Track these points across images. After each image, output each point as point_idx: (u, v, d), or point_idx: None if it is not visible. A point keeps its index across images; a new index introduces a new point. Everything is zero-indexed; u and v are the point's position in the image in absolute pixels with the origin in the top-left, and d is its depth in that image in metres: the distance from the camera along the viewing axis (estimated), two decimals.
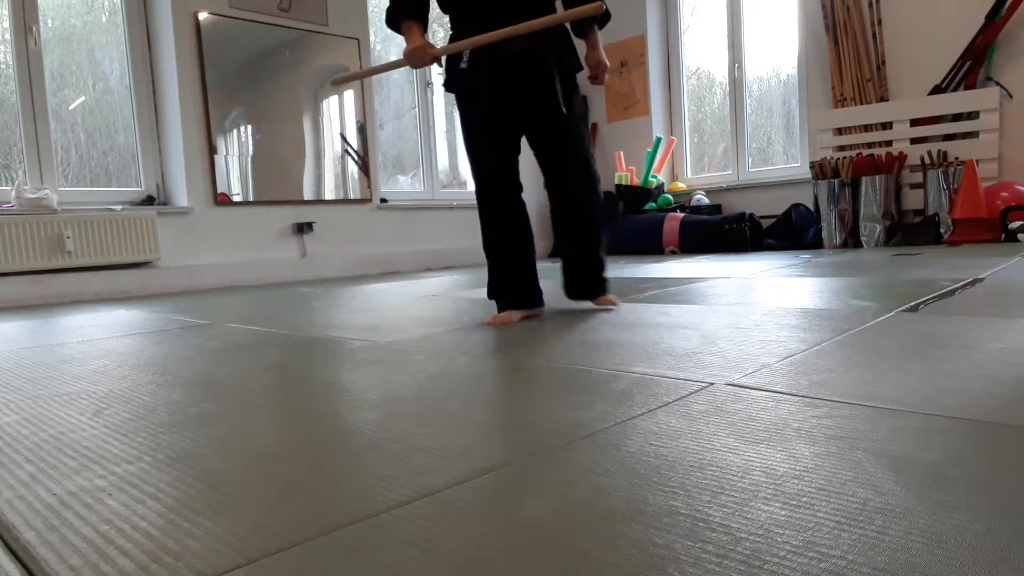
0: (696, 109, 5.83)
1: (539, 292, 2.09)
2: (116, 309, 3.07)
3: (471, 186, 2.27)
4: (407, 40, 1.96)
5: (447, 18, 2.10)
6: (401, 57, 2.01)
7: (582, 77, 2.12)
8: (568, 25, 2.02)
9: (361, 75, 2.36)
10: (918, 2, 4.41)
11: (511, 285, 2.05)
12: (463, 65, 1.98)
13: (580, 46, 2.10)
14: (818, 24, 4.81)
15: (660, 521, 0.62)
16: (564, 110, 1.98)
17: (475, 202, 2.11)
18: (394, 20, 2.01)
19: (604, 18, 2.03)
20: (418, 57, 1.92)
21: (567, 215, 2.08)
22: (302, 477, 0.78)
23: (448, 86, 2.06)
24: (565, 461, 0.79)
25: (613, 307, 2.11)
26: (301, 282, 4.33)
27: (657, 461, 0.77)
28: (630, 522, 0.62)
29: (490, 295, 2.09)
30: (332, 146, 4.75)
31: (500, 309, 2.04)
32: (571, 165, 2.04)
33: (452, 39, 2.02)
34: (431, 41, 1.98)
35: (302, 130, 4.60)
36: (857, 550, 0.54)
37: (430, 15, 2.04)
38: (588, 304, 2.18)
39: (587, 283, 2.12)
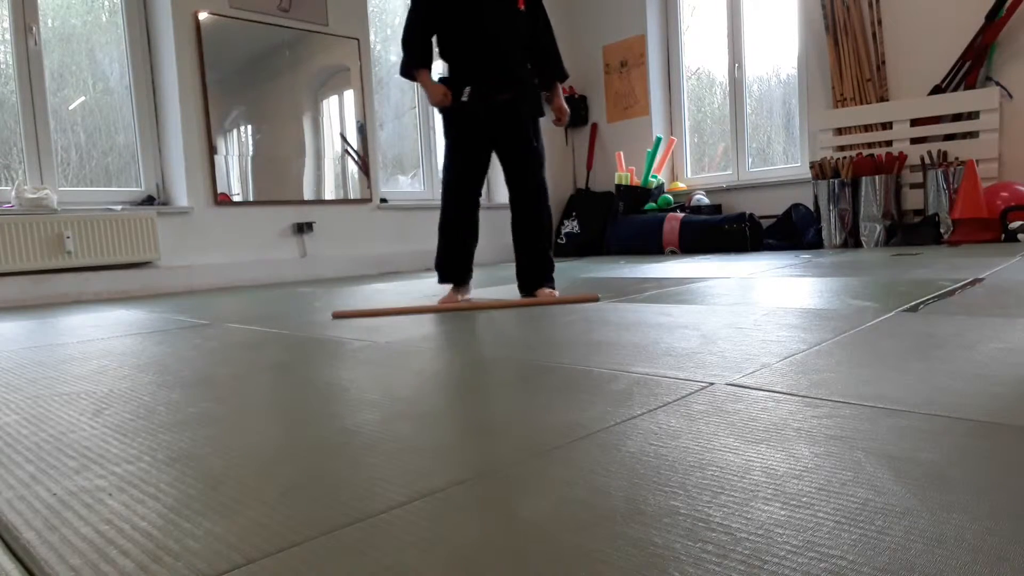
0: (696, 109, 5.83)
1: (471, 273, 2.67)
2: (116, 309, 3.07)
3: None
4: (426, 88, 2.53)
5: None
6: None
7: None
8: (537, 82, 2.67)
9: (367, 314, 2.33)
10: (918, 2, 4.41)
11: (459, 266, 2.62)
12: (464, 99, 2.51)
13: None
14: (818, 24, 4.81)
15: (660, 521, 0.62)
16: (533, 144, 2.59)
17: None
18: (408, 71, 2.55)
19: (563, 77, 2.68)
20: (443, 102, 2.50)
21: (524, 222, 2.62)
22: (302, 477, 0.78)
23: (447, 109, 2.56)
24: (565, 461, 0.79)
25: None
26: (301, 282, 4.33)
27: (657, 461, 0.77)
28: (630, 522, 0.62)
29: (441, 278, 2.64)
30: (332, 146, 4.75)
31: (440, 281, 2.64)
32: (531, 184, 2.59)
33: (450, 73, 2.57)
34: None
35: (302, 130, 4.60)
36: (857, 550, 0.54)
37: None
38: (587, 304, 2.24)
39: (537, 280, 2.59)
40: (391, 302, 2.75)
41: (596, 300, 2.35)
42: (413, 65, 2.51)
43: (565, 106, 2.68)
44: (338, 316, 2.31)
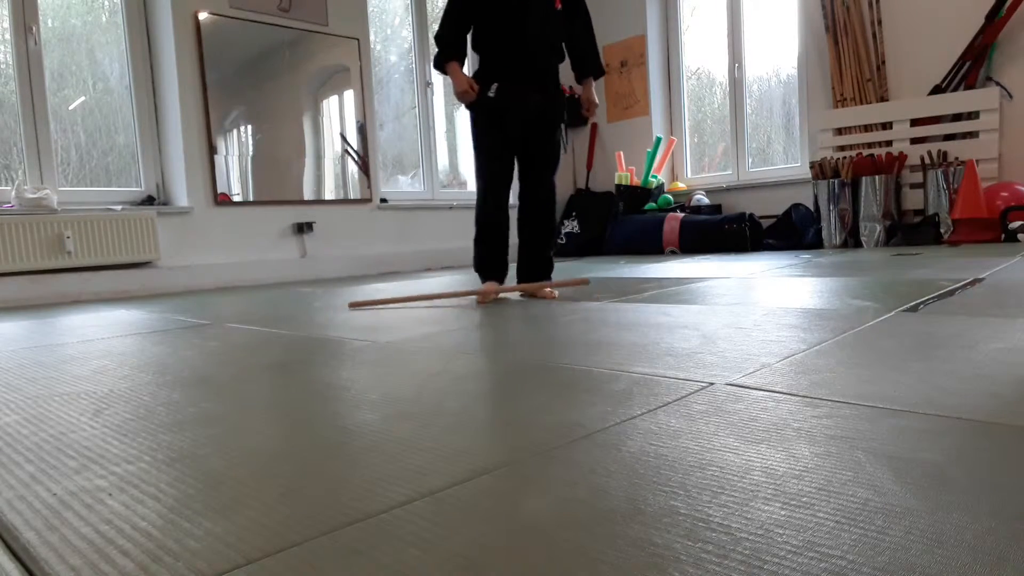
0: (696, 109, 5.83)
1: (507, 267, 2.74)
2: (116, 309, 3.07)
3: (471, 186, 2.69)
4: (454, 80, 2.54)
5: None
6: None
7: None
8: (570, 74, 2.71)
9: (382, 303, 2.56)
10: (918, 2, 4.41)
11: (495, 262, 2.66)
12: (491, 94, 2.56)
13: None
14: (818, 24, 4.81)
15: (660, 521, 0.62)
16: (557, 147, 2.69)
17: (474, 201, 2.64)
18: (440, 63, 2.59)
19: (600, 74, 2.74)
20: (467, 95, 2.55)
21: (533, 222, 2.68)
22: (302, 477, 0.78)
23: (474, 105, 2.59)
24: (565, 461, 0.79)
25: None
26: (301, 282, 4.33)
27: (657, 461, 0.77)
28: (630, 522, 0.62)
29: (485, 278, 2.65)
30: (332, 146, 4.75)
31: (484, 280, 2.65)
32: (545, 184, 2.68)
33: (480, 68, 2.60)
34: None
35: (302, 130, 4.60)
36: (857, 550, 0.54)
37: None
38: (587, 304, 2.24)
39: (537, 276, 2.69)
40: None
41: (586, 283, 2.50)
42: (445, 57, 2.56)
43: (595, 99, 2.77)
44: (354, 306, 2.41)
